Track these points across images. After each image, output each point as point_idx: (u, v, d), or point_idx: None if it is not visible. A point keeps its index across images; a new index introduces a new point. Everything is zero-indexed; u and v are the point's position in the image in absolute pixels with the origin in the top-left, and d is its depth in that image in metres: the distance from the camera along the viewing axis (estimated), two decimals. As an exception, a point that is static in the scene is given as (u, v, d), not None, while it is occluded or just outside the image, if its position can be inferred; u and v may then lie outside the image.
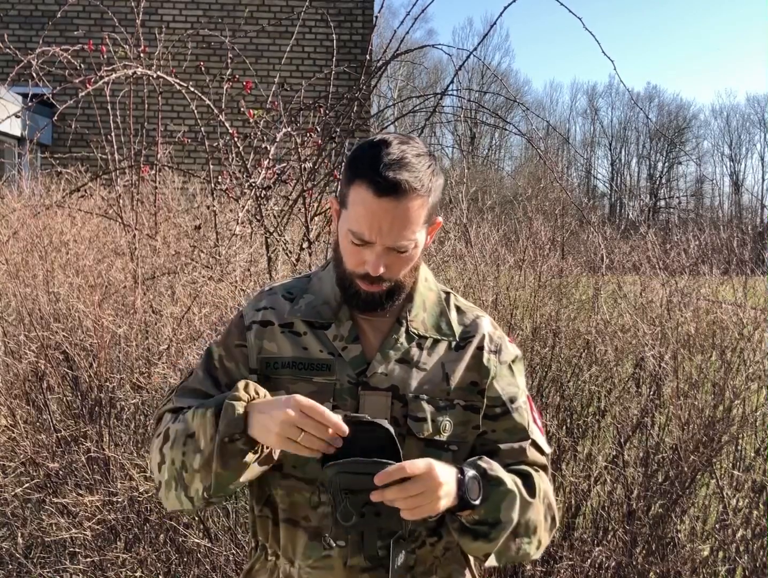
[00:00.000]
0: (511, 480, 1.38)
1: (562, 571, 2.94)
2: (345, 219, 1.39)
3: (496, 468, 1.37)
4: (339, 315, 1.46)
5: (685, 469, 2.85)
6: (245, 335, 1.48)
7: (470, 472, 1.33)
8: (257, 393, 1.34)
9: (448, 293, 1.54)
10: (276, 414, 1.25)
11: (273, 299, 1.51)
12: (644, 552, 2.88)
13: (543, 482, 1.46)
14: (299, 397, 1.27)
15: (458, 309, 1.52)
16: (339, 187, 1.49)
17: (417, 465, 1.24)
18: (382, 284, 1.40)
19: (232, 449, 1.30)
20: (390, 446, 1.25)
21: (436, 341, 1.47)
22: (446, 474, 1.28)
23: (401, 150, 1.34)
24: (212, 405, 1.34)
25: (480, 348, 1.48)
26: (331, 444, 1.24)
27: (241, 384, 1.34)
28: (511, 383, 1.50)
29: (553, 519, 1.47)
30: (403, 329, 1.46)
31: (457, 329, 1.49)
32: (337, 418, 1.24)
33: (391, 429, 1.26)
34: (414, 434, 1.40)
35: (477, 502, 1.31)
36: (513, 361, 1.52)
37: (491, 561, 1.40)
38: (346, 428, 1.24)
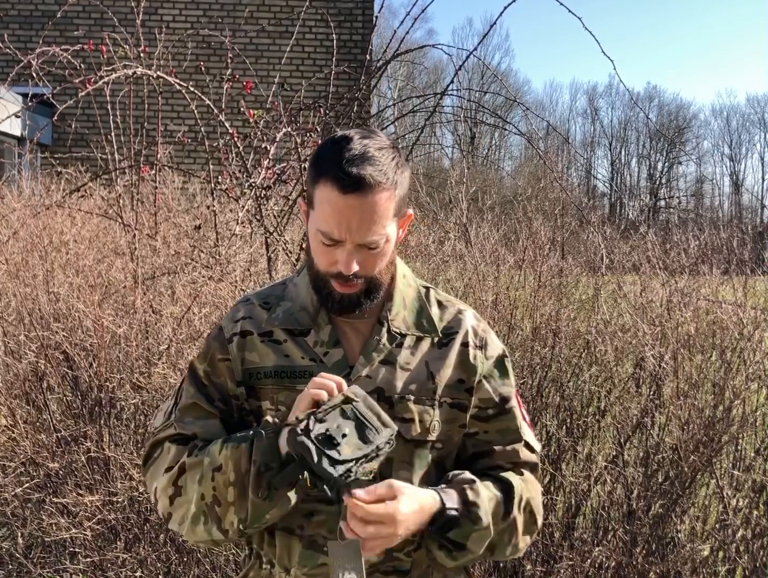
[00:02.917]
0: (490, 516, 1.37)
1: (562, 571, 2.94)
2: (313, 220, 1.37)
3: (480, 502, 1.36)
4: (318, 320, 1.44)
5: (685, 469, 2.84)
6: (227, 348, 1.46)
7: (451, 512, 1.33)
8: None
9: (427, 288, 1.52)
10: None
11: (250, 308, 1.48)
12: (644, 552, 2.88)
13: (527, 489, 1.45)
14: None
15: (439, 304, 1.50)
16: (305, 187, 1.46)
17: (379, 508, 1.26)
18: (357, 283, 1.37)
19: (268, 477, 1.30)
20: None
21: (419, 339, 1.45)
22: (411, 512, 1.29)
23: (363, 145, 1.32)
24: (245, 440, 1.33)
25: (465, 345, 1.46)
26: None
27: (270, 420, 1.34)
28: (504, 383, 1.49)
29: (535, 523, 1.47)
30: (384, 329, 1.44)
31: (440, 325, 1.47)
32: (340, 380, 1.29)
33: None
34: (402, 435, 1.38)
35: (442, 535, 1.34)
36: (502, 357, 1.50)
37: (462, 562, 1.41)
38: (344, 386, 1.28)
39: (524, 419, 1.51)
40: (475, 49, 3.52)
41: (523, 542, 1.46)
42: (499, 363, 1.49)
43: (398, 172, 1.35)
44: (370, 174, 1.30)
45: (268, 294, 1.51)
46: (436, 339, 1.46)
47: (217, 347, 1.47)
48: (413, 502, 1.30)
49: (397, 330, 1.44)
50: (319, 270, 1.39)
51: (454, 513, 1.33)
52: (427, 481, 1.41)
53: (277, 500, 1.31)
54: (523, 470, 1.47)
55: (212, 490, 1.34)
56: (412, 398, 1.40)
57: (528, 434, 1.50)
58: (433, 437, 1.41)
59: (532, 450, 1.50)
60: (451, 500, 1.34)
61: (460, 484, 1.37)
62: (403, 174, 1.36)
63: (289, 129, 3.68)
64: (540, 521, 1.49)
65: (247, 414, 1.45)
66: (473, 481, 1.38)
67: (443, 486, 1.38)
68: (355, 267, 1.34)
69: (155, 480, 1.42)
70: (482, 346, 1.48)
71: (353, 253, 1.34)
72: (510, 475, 1.45)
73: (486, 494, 1.38)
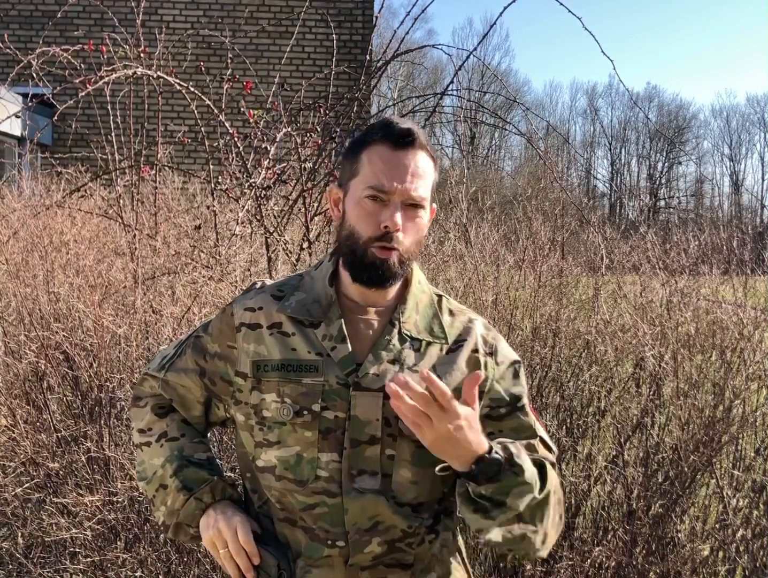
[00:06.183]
0: (532, 474, 1.36)
1: (562, 571, 2.94)
2: (359, 183, 1.42)
3: (524, 458, 1.36)
4: (329, 314, 1.45)
5: (685, 469, 2.84)
6: (235, 337, 1.48)
7: (497, 455, 1.32)
8: (223, 494, 1.50)
9: (440, 296, 1.54)
10: (218, 522, 1.45)
11: (262, 298, 1.50)
12: (644, 552, 2.88)
13: (554, 476, 1.46)
14: (240, 518, 1.45)
15: (450, 312, 1.52)
16: (341, 170, 1.53)
17: (457, 409, 1.27)
18: (397, 249, 1.40)
19: (184, 529, 1.51)
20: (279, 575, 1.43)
21: (428, 344, 1.46)
22: (469, 436, 1.29)
23: (407, 122, 1.44)
24: (187, 487, 1.49)
25: (475, 351, 1.48)
26: (243, 572, 1.42)
27: (210, 485, 1.49)
28: (516, 384, 1.50)
29: (561, 516, 1.47)
30: (395, 330, 1.45)
31: (450, 333, 1.48)
32: (253, 545, 1.42)
33: (282, 563, 1.42)
34: (405, 435, 1.40)
35: (481, 486, 1.31)
36: (514, 365, 1.52)
37: (494, 536, 1.35)
38: (256, 559, 1.42)
39: (539, 421, 1.53)
40: (475, 49, 3.52)
41: (551, 534, 1.43)
42: (511, 368, 1.51)
43: (435, 154, 1.46)
44: (418, 133, 1.41)
45: (284, 283, 1.53)
46: (445, 346, 1.47)
47: (227, 333, 1.50)
48: (471, 426, 1.30)
49: (408, 333, 1.46)
50: (361, 238, 1.41)
51: (497, 456, 1.32)
52: (431, 482, 1.43)
53: (190, 543, 1.59)
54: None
55: (152, 496, 1.55)
56: None
57: (543, 432, 1.51)
58: None
59: (548, 448, 1.50)
60: (498, 446, 1.34)
61: (503, 442, 1.37)
62: (437, 169, 1.47)
63: (289, 129, 3.69)
64: (563, 515, 1.49)
65: (236, 403, 1.48)
66: (513, 442, 1.39)
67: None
68: (400, 223, 1.39)
69: (134, 422, 1.61)
70: (492, 353, 1.50)
71: (399, 208, 1.39)
72: (539, 457, 1.44)
73: (527, 457, 1.38)
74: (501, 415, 1.47)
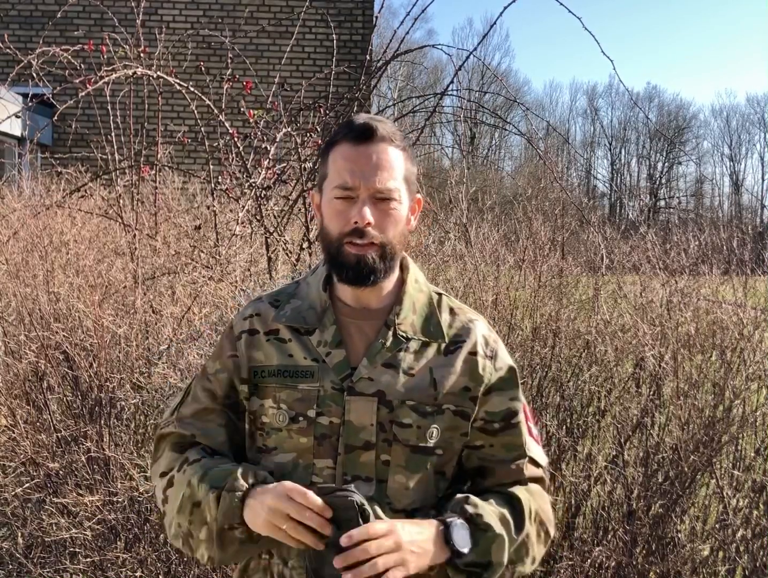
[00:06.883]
0: (498, 522, 1.38)
1: (562, 571, 2.94)
2: (328, 185, 1.42)
3: (482, 511, 1.37)
4: (324, 320, 1.45)
5: (685, 469, 2.85)
6: (236, 346, 1.48)
7: (457, 521, 1.34)
8: (256, 478, 1.36)
9: (440, 295, 1.52)
10: (265, 501, 1.29)
11: (259, 306, 1.50)
12: (644, 552, 2.88)
13: (534, 500, 1.46)
14: (286, 483, 1.30)
15: (451, 311, 1.50)
16: (318, 175, 1.56)
17: (379, 528, 1.26)
18: (372, 243, 1.38)
19: (230, 536, 1.35)
20: (361, 514, 1.26)
21: (425, 345, 1.44)
22: (413, 533, 1.30)
23: (369, 115, 1.46)
24: (215, 486, 1.36)
25: (473, 353, 1.45)
26: (320, 530, 1.26)
27: (239, 471, 1.36)
28: (513, 397, 1.48)
29: (547, 532, 1.47)
30: (390, 332, 1.43)
31: (448, 332, 1.46)
32: (317, 500, 1.25)
33: (359, 499, 1.26)
34: (399, 440, 1.39)
35: (466, 551, 1.33)
36: (511, 371, 1.50)
37: None
38: (328, 512, 1.26)
39: (530, 434, 1.51)
40: (475, 49, 3.52)
41: (539, 553, 1.47)
42: (509, 377, 1.49)
43: (405, 142, 1.43)
44: (377, 126, 1.40)
45: (280, 292, 1.53)
46: (442, 346, 1.45)
47: (227, 345, 1.50)
48: (405, 522, 1.31)
49: (404, 334, 1.44)
50: (333, 237, 1.40)
51: (458, 520, 1.34)
52: (426, 487, 1.42)
53: (239, 555, 1.39)
54: (528, 483, 1.48)
55: (188, 524, 1.39)
56: (412, 403, 1.40)
57: (533, 449, 1.50)
58: (431, 443, 1.41)
59: (537, 465, 1.50)
60: (449, 515, 1.36)
61: (456, 506, 1.38)
62: (411, 149, 1.45)
63: (289, 129, 3.69)
64: (552, 530, 1.49)
65: (242, 413, 1.47)
66: (466, 497, 1.39)
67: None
68: (370, 217, 1.37)
69: (155, 480, 1.48)
70: (492, 356, 1.47)
71: (367, 203, 1.38)
72: (515, 488, 1.45)
73: (485, 503, 1.39)
74: (495, 430, 1.46)
